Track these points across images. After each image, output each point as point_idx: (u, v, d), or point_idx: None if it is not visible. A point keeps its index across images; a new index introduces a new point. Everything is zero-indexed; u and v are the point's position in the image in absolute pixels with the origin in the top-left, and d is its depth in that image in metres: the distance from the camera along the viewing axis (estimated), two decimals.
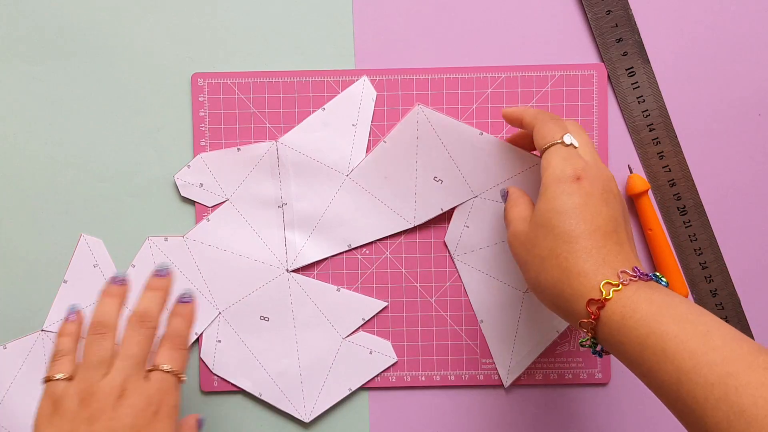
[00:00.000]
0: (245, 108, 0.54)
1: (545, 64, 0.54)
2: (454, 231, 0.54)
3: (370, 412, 0.55)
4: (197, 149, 0.54)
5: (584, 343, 0.41)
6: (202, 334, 0.55)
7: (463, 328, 0.55)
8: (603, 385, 0.55)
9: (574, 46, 0.54)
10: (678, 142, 0.54)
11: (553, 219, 0.42)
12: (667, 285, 0.41)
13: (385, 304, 0.55)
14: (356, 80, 0.54)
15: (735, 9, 0.54)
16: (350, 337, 0.55)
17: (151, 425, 0.43)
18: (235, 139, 0.54)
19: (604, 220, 0.42)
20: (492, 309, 0.54)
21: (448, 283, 0.55)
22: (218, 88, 0.54)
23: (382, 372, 0.55)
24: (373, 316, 0.55)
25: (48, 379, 0.45)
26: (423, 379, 0.55)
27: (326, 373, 0.54)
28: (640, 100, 0.54)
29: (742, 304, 0.54)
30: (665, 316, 0.38)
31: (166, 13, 0.54)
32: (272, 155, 0.54)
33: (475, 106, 0.54)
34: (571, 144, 0.44)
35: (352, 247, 0.54)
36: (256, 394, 0.55)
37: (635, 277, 0.40)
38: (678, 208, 0.54)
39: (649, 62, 0.53)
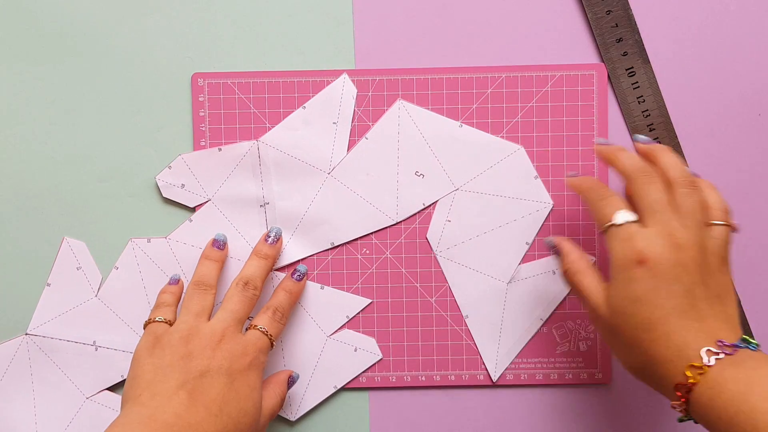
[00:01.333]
0: (245, 108, 0.54)
1: (545, 64, 0.54)
2: (436, 226, 0.54)
3: (370, 412, 0.55)
4: (197, 149, 0.54)
5: (680, 420, 0.42)
6: None
7: (463, 328, 0.55)
8: (603, 385, 0.55)
9: (574, 46, 0.54)
10: (678, 142, 0.54)
11: (628, 307, 0.42)
12: (757, 347, 0.41)
13: (369, 301, 0.55)
14: (357, 80, 0.54)
15: (735, 9, 0.54)
16: (335, 334, 0.55)
17: (244, 373, 0.46)
18: (236, 140, 0.54)
19: (678, 300, 0.41)
20: (476, 303, 0.54)
21: (448, 283, 0.55)
22: (218, 88, 0.54)
23: (381, 372, 0.55)
24: (368, 316, 0.55)
25: (149, 322, 0.49)
26: (423, 379, 0.55)
27: (311, 372, 0.54)
28: (640, 100, 0.54)
29: (742, 304, 0.54)
30: (752, 394, 0.38)
31: (166, 13, 0.54)
32: (253, 154, 0.54)
33: (475, 106, 0.54)
34: (625, 222, 0.43)
35: (335, 245, 0.55)
36: None
37: (719, 353, 0.40)
38: None
39: (649, 62, 0.54)
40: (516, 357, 0.55)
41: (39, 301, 0.54)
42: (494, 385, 0.55)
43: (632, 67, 0.53)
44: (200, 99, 0.54)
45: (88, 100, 0.54)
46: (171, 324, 0.49)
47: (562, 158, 0.54)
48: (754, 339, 0.41)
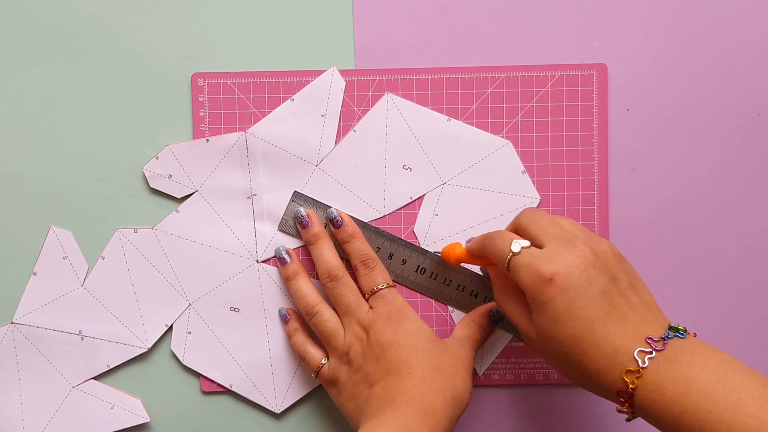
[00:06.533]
0: (245, 108, 0.54)
1: (545, 64, 0.54)
2: (423, 220, 0.54)
3: None
4: None
5: (628, 419, 0.42)
6: (172, 325, 0.55)
7: None
8: None
9: (574, 46, 0.54)
10: None
11: (550, 329, 0.42)
12: (686, 333, 0.41)
13: None
14: (357, 80, 0.54)
15: (735, 9, 0.54)
16: None
17: (399, 329, 0.49)
18: None
19: (596, 306, 0.41)
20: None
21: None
22: (218, 88, 0.54)
23: None
24: None
25: (317, 372, 0.52)
26: None
27: (297, 365, 0.54)
28: None
29: (742, 303, 0.54)
30: (693, 393, 0.38)
31: (166, 13, 0.54)
32: (241, 146, 0.54)
33: (475, 106, 0.54)
34: (521, 248, 0.44)
35: None
36: (227, 386, 0.55)
37: (651, 352, 0.39)
38: None
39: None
40: (514, 357, 0.55)
41: (25, 290, 0.55)
42: (493, 385, 0.55)
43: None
44: (200, 99, 0.54)
45: (88, 100, 0.54)
46: (327, 356, 0.52)
47: (563, 158, 0.54)
48: (676, 325, 0.41)
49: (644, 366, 0.39)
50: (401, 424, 0.43)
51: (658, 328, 0.41)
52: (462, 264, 0.52)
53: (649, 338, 0.40)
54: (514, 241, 0.44)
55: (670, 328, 0.41)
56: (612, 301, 0.41)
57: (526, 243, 0.44)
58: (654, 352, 0.39)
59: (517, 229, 0.46)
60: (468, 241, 0.50)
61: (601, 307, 0.41)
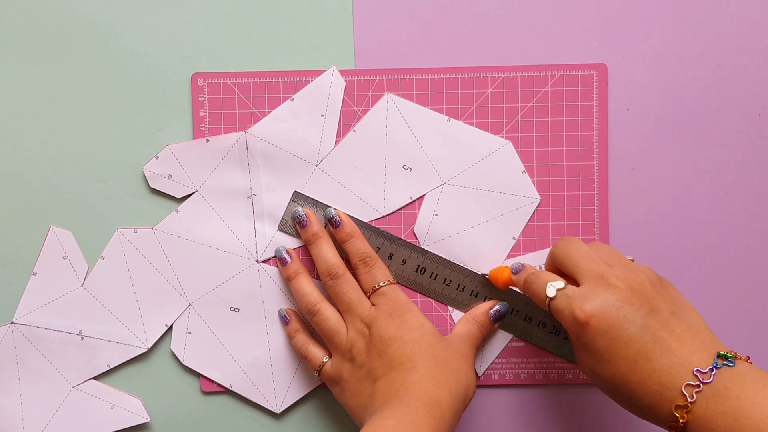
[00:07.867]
0: (245, 108, 0.54)
1: (545, 64, 0.54)
2: (423, 220, 0.54)
3: None
4: None
5: None
6: (172, 325, 0.55)
7: None
8: None
9: (574, 46, 0.54)
10: None
11: (595, 368, 0.42)
12: (735, 359, 0.40)
13: None
14: (357, 80, 0.54)
15: (735, 9, 0.54)
16: None
17: (402, 324, 0.49)
18: None
19: (637, 343, 0.41)
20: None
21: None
22: (218, 88, 0.54)
23: None
24: None
25: (319, 370, 0.51)
26: None
27: (297, 364, 0.55)
28: None
29: (742, 303, 0.54)
30: (743, 429, 0.37)
31: (166, 13, 0.54)
32: (241, 146, 0.54)
33: (475, 106, 0.54)
34: (557, 291, 0.44)
35: None
36: (227, 386, 0.55)
37: (698, 385, 0.39)
38: None
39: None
40: (514, 357, 0.55)
41: (25, 290, 0.55)
42: (493, 385, 0.55)
43: None
44: (200, 99, 0.54)
45: (88, 100, 0.54)
46: (330, 353, 0.51)
47: (563, 158, 0.54)
48: (726, 351, 0.40)
49: (692, 401, 0.39)
50: (406, 416, 0.43)
51: (706, 356, 0.40)
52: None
53: (697, 370, 0.39)
54: (549, 284, 0.44)
55: (719, 356, 0.40)
56: (654, 335, 0.41)
57: (561, 284, 0.44)
58: (702, 385, 0.39)
59: (554, 262, 0.47)
60: (514, 271, 0.50)
61: (643, 344, 0.41)
